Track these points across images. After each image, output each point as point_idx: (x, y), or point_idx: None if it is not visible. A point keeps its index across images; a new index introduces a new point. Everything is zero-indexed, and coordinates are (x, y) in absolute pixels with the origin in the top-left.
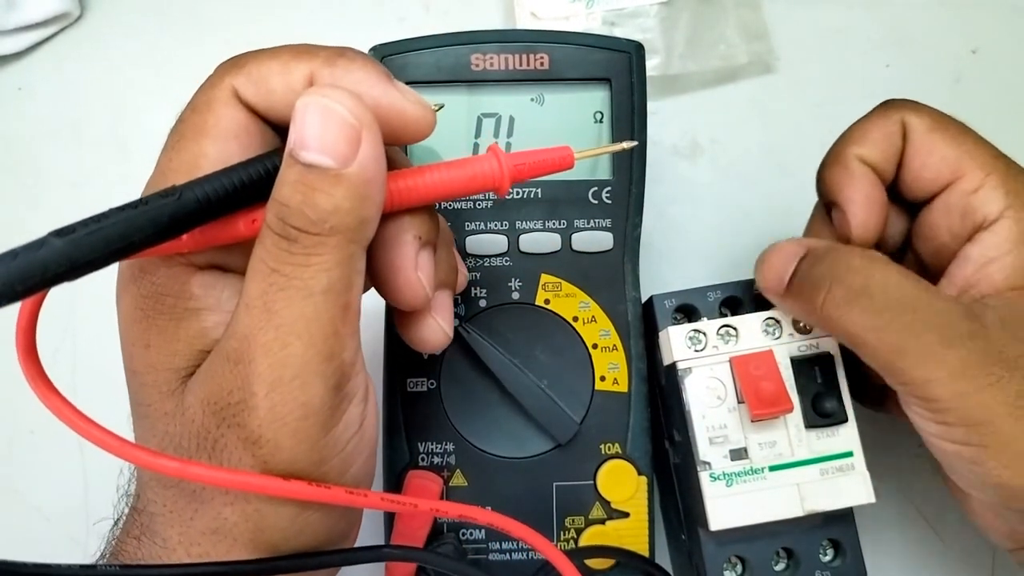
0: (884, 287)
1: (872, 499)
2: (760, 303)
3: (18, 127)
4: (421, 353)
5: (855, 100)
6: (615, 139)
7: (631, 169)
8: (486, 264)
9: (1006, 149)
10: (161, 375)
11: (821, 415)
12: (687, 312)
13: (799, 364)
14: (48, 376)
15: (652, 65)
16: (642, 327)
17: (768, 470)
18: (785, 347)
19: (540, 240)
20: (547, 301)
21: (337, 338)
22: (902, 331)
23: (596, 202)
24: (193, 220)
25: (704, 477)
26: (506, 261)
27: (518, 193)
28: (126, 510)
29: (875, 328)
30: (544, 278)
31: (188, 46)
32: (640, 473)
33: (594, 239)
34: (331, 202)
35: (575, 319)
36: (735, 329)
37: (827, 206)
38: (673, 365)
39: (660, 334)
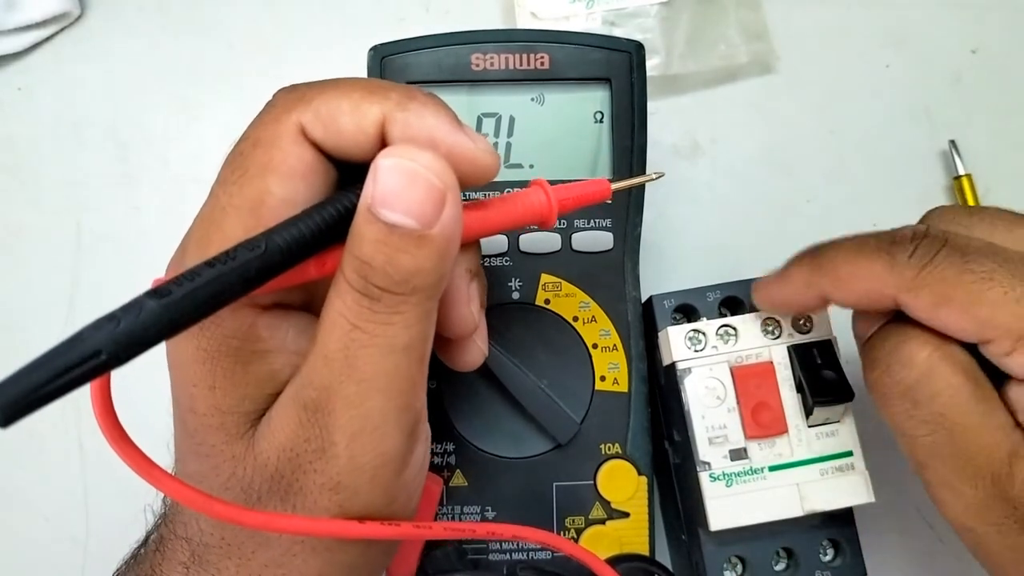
0: (932, 396)
1: (872, 499)
2: None
3: (18, 127)
4: None
5: (855, 100)
6: (615, 139)
7: (631, 169)
8: (486, 264)
9: (1006, 149)
10: (229, 418)
11: (823, 393)
12: (687, 312)
13: (798, 349)
14: (129, 436)
15: (652, 65)
16: (642, 327)
17: (768, 470)
18: (784, 346)
19: (540, 240)
20: (547, 301)
21: (414, 390)
22: (932, 448)
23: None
24: (276, 270)
25: (704, 477)
26: (506, 261)
27: None
28: (159, 533)
29: (909, 433)
30: (544, 278)
31: (188, 46)
32: (640, 473)
33: (594, 239)
34: (415, 263)
35: (575, 319)
36: (735, 329)
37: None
38: (673, 365)
39: (660, 334)
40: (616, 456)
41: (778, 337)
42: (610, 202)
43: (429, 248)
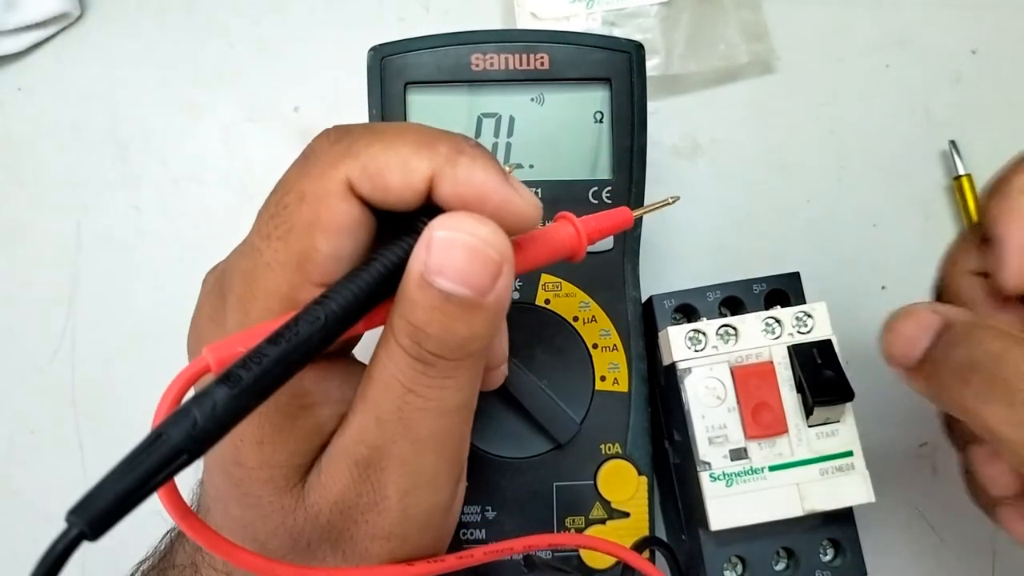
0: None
1: (872, 499)
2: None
3: (18, 127)
4: None
5: (855, 100)
6: (615, 139)
7: (631, 169)
8: None
9: (1006, 149)
10: (278, 471)
11: (823, 393)
12: (687, 312)
13: (798, 349)
14: (196, 515)
15: (652, 65)
16: (642, 327)
17: (768, 470)
18: (784, 346)
19: None
20: (547, 301)
21: (463, 443)
22: None
23: (596, 202)
24: (334, 337)
25: (704, 477)
26: None
27: None
28: (193, 559)
29: (1015, 422)
30: (544, 278)
31: (188, 46)
32: (640, 473)
33: None
34: (470, 331)
35: (575, 319)
36: (735, 329)
37: (983, 236)
38: (673, 365)
39: (660, 334)
40: (616, 456)
41: (778, 337)
42: (610, 202)
43: (484, 315)
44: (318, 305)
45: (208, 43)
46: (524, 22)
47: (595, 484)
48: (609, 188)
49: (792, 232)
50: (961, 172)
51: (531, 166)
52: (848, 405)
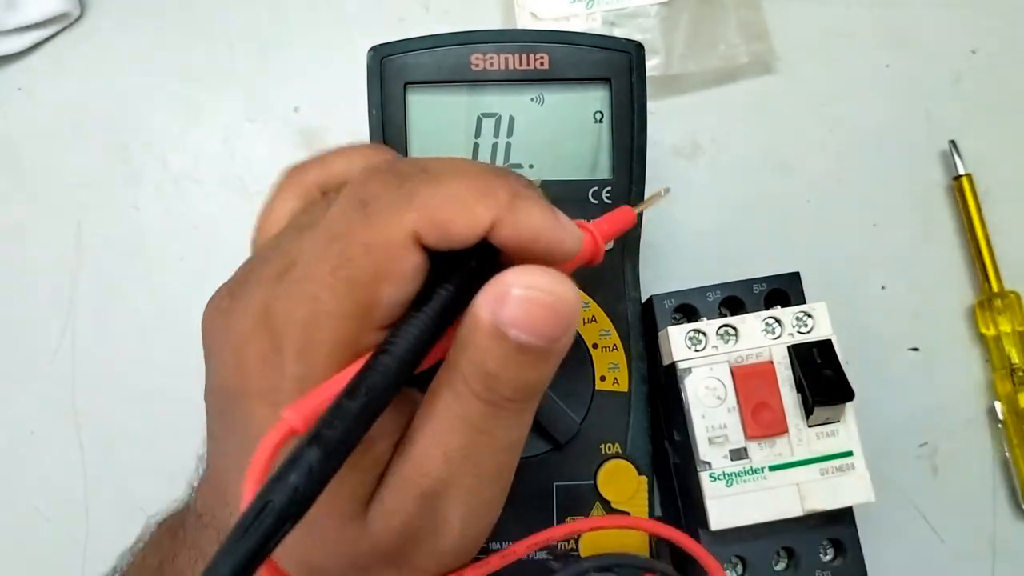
0: None
1: (872, 499)
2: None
3: (18, 127)
4: None
5: (855, 100)
6: (615, 139)
7: (631, 169)
8: None
9: (1006, 149)
10: (343, 504)
11: (823, 392)
12: (687, 312)
13: (798, 349)
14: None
15: (652, 65)
16: (642, 327)
17: (768, 470)
18: (785, 346)
19: None
20: None
21: (514, 470)
22: None
23: (596, 202)
24: (403, 382)
25: (704, 477)
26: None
27: None
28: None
29: None
30: None
31: (188, 46)
32: (640, 473)
33: None
34: (540, 376)
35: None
36: (735, 329)
37: None
38: (673, 365)
39: (660, 334)
40: (616, 456)
41: (778, 337)
42: (609, 202)
43: (553, 360)
44: (385, 354)
45: (208, 43)
46: (524, 22)
47: (595, 484)
48: (609, 188)
49: (792, 232)
50: (961, 172)
51: (531, 166)
52: (848, 405)
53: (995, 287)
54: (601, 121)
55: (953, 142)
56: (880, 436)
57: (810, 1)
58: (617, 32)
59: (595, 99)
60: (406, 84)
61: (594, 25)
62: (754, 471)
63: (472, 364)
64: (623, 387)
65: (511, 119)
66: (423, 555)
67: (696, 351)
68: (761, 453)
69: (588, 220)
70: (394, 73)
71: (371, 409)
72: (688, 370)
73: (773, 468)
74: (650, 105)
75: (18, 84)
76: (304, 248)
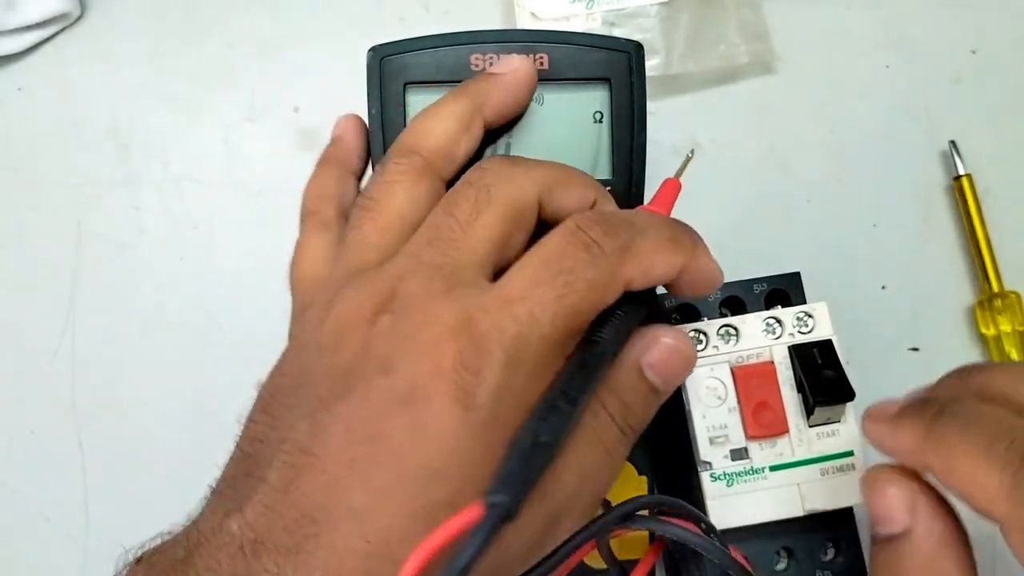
0: None
1: None
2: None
3: (18, 127)
4: None
5: (855, 100)
6: (615, 139)
7: (631, 169)
8: None
9: (1006, 149)
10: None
11: (824, 393)
12: (687, 312)
13: (799, 349)
14: None
15: (652, 65)
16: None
17: (768, 470)
18: (785, 346)
19: None
20: None
21: None
22: None
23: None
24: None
25: (704, 477)
26: None
27: None
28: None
29: None
30: None
31: (188, 46)
32: (640, 473)
33: None
34: (650, 414)
35: None
36: (735, 329)
37: None
38: None
39: None
40: None
41: (779, 337)
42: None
43: (660, 402)
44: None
45: (208, 43)
46: (524, 22)
47: None
48: (609, 188)
49: (792, 232)
50: (961, 172)
51: None
52: (848, 405)
53: (995, 287)
54: (601, 121)
55: (953, 142)
56: None
57: (810, 1)
58: (617, 32)
59: (595, 99)
60: (406, 84)
61: (594, 25)
62: (754, 471)
63: (613, 393)
64: None
65: (511, 119)
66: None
67: (697, 351)
68: (762, 453)
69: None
70: (394, 73)
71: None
72: None
73: (773, 468)
74: (650, 105)
75: (18, 84)
76: (515, 274)
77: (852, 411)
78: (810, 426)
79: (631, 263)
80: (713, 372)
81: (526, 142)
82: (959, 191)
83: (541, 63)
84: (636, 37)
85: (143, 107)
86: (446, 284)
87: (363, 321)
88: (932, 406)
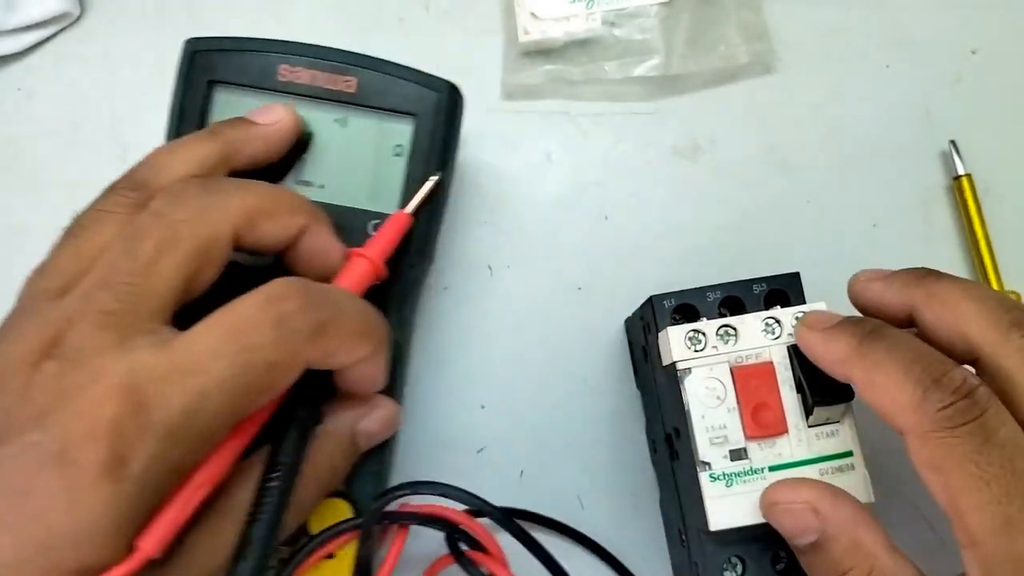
0: None
1: (872, 499)
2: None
3: (18, 127)
4: None
5: (855, 100)
6: (409, 175)
7: (421, 203)
8: None
9: (1006, 150)
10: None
11: (823, 393)
12: (686, 312)
13: (798, 349)
14: None
15: (652, 65)
16: (403, 369)
17: (768, 470)
18: (784, 346)
19: None
20: None
21: None
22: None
23: (374, 235)
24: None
25: (704, 477)
26: None
27: None
28: None
29: None
30: None
31: None
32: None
33: None
34: (351, 463)
35: None
36: (734, 329)
37: None
38: (672, 365)
39: (660, 334)
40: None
41: (778, 337)
42: None
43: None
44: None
45: None
46: (524, 22)
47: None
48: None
49: (792, 232)
50: (961, 172)
51: (322, 186)
52: (848, 405)
53: (995, 287)
54: (400, 155)
55: (953, 142)
56: (880, 436)
57: (810, 1)
58: (617, 32)
59: (398, 132)
60: (212, 81)
61: (594, 25)
62: (754, 471)
63: (322, 468)
64: None
65: (310, 135)
66: None
67: (696, 351)
68: (761, 453)
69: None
70: (203, 68)
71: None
72: (688, 370)
73: (773, 468)
74: (650, 105)
75: (18, 84)
76: (197, 339)
77: (851, 411)
78: (809, 426)
79: (318, 346)
80: (712, 372)
81: (322, 161)
82: (959, 191)
83: (348, 85)
84: (637, 37)
85: (143, 107)
86: (118, 335)
87: (26, 364)
88: (866, 325)
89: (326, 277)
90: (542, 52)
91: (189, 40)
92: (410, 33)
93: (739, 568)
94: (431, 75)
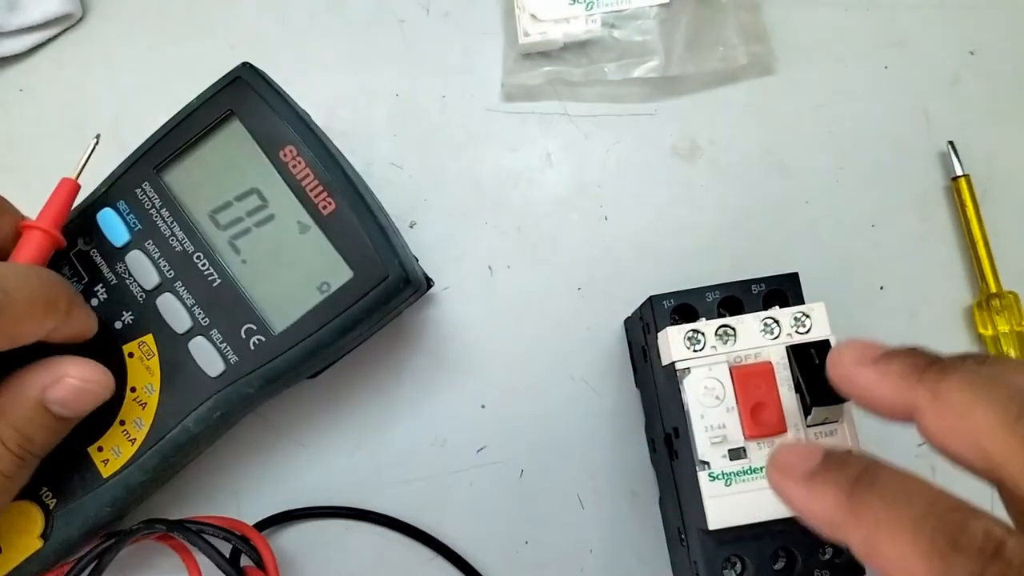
0: None
1: None
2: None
3: (20, 128)
4: None
5: (854, 101)
6: (316, 309)
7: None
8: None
9: (1005, 150)
10: None
11: (822, 393)
12: (686, 312)
13: (797, 349)
14: None
15: (651, 67)
16: (182, 456)
17: None
18: (783, 347)
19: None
20: (131, 354)
21: None
22: None
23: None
24: None
25: (703, 477)
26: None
27: None
28: None
29: None
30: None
31: (190, 48)
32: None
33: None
34: (61, 437)
35: (132, 389)
36: (733, 329)
37: None
38: (672, 365)
39: (659, 334)
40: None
41: (777, 337)
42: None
43: (72, 424)
44: None
45: (209, 44)
46: (524, 23)
47: None
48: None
49: (791, 232)
50: (960, 173)
51: (244, 261)
52: (847, 405)
53: (993, 287)
54: (323, 292)
55: (952, 143)
56: (878, 436)
57: (809, 3)
58: (617, 34)
59: (336, 273)
60: (231, 112)
61: (594, 27)
62: (753, 471)
63: (12, 427)
64: (107, 471)
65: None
66: None
67: (695, 351)
68: (760, 453)
69: None
70: (233, 96)
71: None
72: (687, 370)
73: None
74: (650, 106)
75: (20, 85)
76: None
77: (850, 411)
78: (808, 426)
79: None
80: (711, 372)
81: (262, 239)
82: (957, 192)
83: (327, 206)
84: (636, 39)
85: (145, 108)
86: None
87: None
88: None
89: (4, 256)
90: (542, 53)
91: (245, 65)
92: (411, 35)
93: (738, 567)
94: (396, 249)
